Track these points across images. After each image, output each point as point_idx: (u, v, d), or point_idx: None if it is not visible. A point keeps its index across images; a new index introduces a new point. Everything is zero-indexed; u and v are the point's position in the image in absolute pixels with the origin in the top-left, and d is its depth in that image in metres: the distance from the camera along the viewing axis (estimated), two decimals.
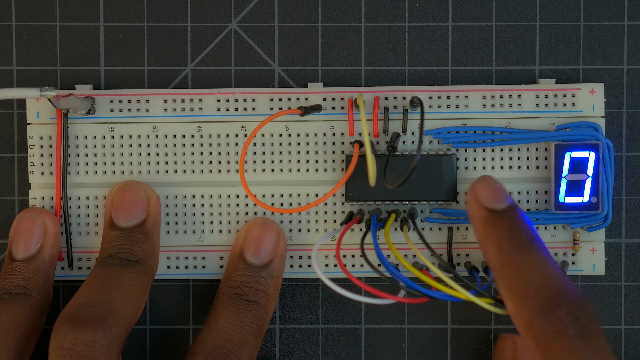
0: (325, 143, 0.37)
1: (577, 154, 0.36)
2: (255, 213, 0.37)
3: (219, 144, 0.37)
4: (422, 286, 0.33)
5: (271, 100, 0.37)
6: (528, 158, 0.37)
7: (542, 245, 0.32)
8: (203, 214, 0.37)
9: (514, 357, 0.36)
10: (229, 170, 0.37)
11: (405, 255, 0.37)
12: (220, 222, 0.37)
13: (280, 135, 0.37)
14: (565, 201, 0.36)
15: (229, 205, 0.37)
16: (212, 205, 0.37)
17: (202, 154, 0.37)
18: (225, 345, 0.34)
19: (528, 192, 0.37)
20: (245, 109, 0.37)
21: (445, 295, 0.33)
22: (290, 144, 0.37)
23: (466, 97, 0.37)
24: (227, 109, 0.37)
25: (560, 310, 0.30)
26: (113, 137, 0.37)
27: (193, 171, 0.37)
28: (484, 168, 0.37)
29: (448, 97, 0.37)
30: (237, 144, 0.37)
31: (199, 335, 0.35)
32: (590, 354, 0.29)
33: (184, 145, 0.37)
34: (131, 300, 0.33)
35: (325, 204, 0.37)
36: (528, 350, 0.36)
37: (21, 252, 0.35)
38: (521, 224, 0.33)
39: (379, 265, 0.37)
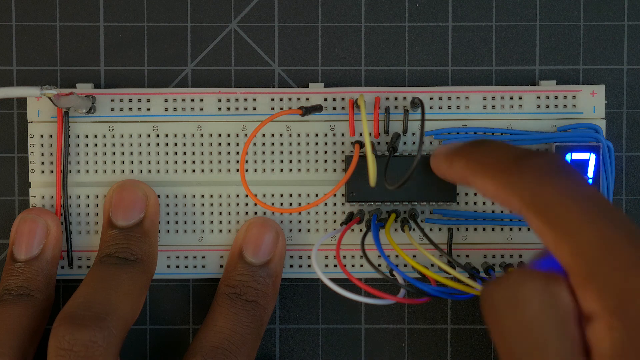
0: (325, 143, 0.37)
1: (577, 156, 0.36)
2: (256, 213, 0.37)
3: (220, 144, 0.37)
4: (424, 285, 0.33)
5: (272, 100, 0.37)
6: None
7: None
8: (203, 213, 0.37)
9: None
10: (229, 170, 0.37)
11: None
12: (220, 222, 0.37)
13: (281, 135, 0.37)
14: None
15: (229, 205, 0.37)
16: (212, 204, 0.37)
17: (202, 153, 0.37)
18: (223, 345, 0.34)
19: None
20: (245, 109, 0.37)
21: (448, 293, 0.33)
22: (290, 144, 0.37)
23: (467, 98, 0.37)
24: (228, 109, 0.37)
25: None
26: (114, 136, 0.37)
27: (193, 171, 0.37)
28: None
29: (449, 98, 0.37)
30: (237, 144, 0.37)
31: (197, 334, 0.35)
32: None
33: (184, 144, 0.37)
34: (129, 300, 0.33)
35: (326, 204, 0.37)
36: None
37: (23, 253, 0.35)
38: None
39: (379, 265, 0.37)
